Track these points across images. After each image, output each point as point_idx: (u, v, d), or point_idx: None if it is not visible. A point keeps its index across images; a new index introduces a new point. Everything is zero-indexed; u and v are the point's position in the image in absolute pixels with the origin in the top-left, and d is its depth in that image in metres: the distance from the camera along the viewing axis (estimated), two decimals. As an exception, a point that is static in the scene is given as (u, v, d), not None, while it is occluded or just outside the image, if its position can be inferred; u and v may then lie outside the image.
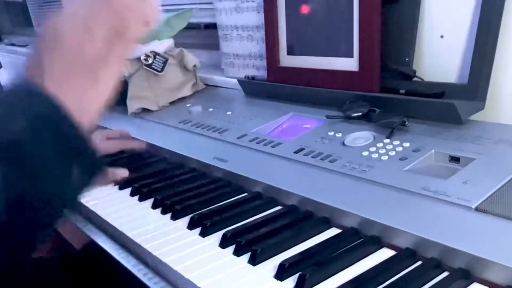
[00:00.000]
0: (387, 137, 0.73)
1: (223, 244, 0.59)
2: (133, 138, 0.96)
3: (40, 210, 0.41)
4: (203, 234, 0.62)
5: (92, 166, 0.43)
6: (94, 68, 0.44)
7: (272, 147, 0.80)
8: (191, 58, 1.18)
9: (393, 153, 0.69)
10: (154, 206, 0.72)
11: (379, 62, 0.84)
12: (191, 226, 0.64)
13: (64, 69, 0.43)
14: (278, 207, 0.67)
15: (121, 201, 0.75)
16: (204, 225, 0.63)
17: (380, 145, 0.72)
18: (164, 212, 0.70)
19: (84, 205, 0.75)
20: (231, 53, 1.20)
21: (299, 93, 0.97)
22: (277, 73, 1.03)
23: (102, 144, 0.88)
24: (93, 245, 0.69)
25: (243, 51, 1.17)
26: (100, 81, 0.45)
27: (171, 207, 0.69)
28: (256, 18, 1.11)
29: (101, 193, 0.78)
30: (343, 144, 0.75)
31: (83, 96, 0.43)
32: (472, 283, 0.48)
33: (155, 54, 1.13)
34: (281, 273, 0.51)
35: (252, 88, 1.10)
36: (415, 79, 0.84)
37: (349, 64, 0.89)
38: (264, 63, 1.09)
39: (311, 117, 0.88)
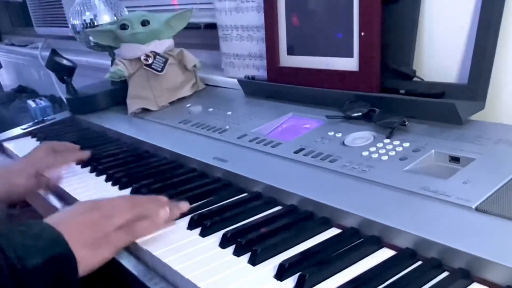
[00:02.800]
0: (387, 137, 0.73)
1: (223, 244, 0.59)
2: (79, 149, 0.96)
3: None
4: (203, 234, 0.62)
5: None
6: (95, 243, 0.58)
7: (272, 147, 0.80)
8: (191, 58, 1.18)
9: (393, 153, 0.69)
10: (154, 206, 0.72)
11: (379, 62, 0.84)
12: (191, 226, 0.64)
13: (75, 237, 0.56)
14: (278, 207, 0.67)
15: (121, 201, 0.75)
16: (204, 225, 0.63)
17: (380, 145, 0.72)
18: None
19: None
20: (231, 53, 1.20)
21: (299, 93, 0.97)
22: (277, 73, 1.03)
23: (47, 158, 0.89)
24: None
25: (243, 51, 1.17)
26: (99, 252, 0.58)
27: (171, 207, 0.69)
28: (256, 18, 1.11)
29: (100, 193, 0.78)
30: (343, 144, 0.75)
31: (83, 255, 0.56)
32: (472, 283, 0.47)
33: (155, 54, 1.13)
34: (281, 273, 0.51)
35: (252, 88, 1.10)
36: (415, 79, 0.84)
37: (349, 64, 0.89)
38: (264, 63, 1.09)
39: (311, 117, 0.88)
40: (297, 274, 0.50)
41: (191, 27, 1.30)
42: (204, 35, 1.49)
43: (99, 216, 0.60)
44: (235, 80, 1.14)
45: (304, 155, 0.75)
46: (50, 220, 0.58)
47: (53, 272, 0.52)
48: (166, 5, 1.57)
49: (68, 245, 0.54)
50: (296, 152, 0.76)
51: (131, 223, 0.61)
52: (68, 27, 1.48)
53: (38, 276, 0.51)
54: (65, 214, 0.61)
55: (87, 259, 0.57)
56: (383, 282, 0.48)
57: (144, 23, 1.14)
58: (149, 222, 0.63)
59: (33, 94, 2.65)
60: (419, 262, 0.51)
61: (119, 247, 0.61)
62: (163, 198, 0.67)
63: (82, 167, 0.91)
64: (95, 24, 1.31)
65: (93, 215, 0.60)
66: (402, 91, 0.82)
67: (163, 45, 1.15)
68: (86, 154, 0.93)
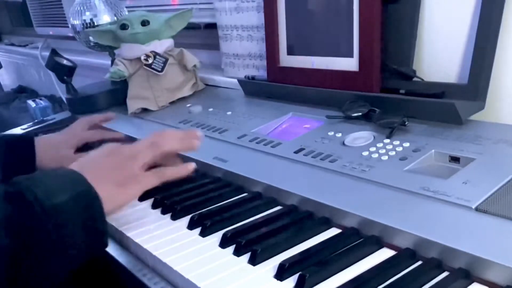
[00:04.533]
0: (387, 137, 0.73)
1: (223, 244, 0.59)
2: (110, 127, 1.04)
3: (51, 263, 0.53)
4: (203, 234, 0.62)
5: (96, 251, 0.58)
6: (123, 181, 0.62)
7: (272, 147, 0.80)
8: (191, 58, 1.18)
9: (393, 153, 0.69)
10: (154, 206, 0.72)
11: (379, 62, 0.84)
12: (191, 226, 0.64)
13: (102, 176, 0.61)
14: (278, 207, 0.67)
15: (121, 201, 0.75)
16: (204, 225, 0.63)
17: (380, 145, 0.72)
18: (164, 212, 0.70)
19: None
20: (231, 53, 1.20)
21: (299, 93, 0.97)
22: (277, 73, 1.03)
23: (84, 133, 0.97)
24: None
25: (243, 51, 1.17)
26: (128, 189, 0.63)
27: (171, 207, 0.69)
28: (256, 18, 1.11)
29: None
30: (343, 144, 0.75)
31: (111, 197, 0.60)
32: (472, 283, 0.48)
33: (155, 54, 1.13)
34: (281, 273, 0.51)
35: (252, 88, 1.10)
36: (415, 79, 0.84)
37: (349, 64, 0.89)
38: (264, 63, 1.09)
39: (311, 117, 0.88)
40: (297, 274, 0.50)
41: (191, 27, 1.30)
42: (204, 35, 1.49)
43: (122, 157, 0.65)
44: (235, 80, 1.14)
45: (304, 155, 0.75)
46: (74, 166, 0.62)
47: (79, 207, 0.55)
48: (166, 5, 1.57)
49: (89, 184, 0.57)
50: (296, 152, 0.76)
51: (157, 165, 0.68)
52: (68, 27, 1.48)
53: (66, 211, 0.53)
54: (89, 159, 0.66)
55: (114, 197, 0.61)
56: (383, 282, 0.49)
57: (144, 23, 1.14)
58: (175, 168, 0.69)
59: (33, 94, 2.65)
60: (419, 262, 0.51)
61: (146, 187, 0.65)
62: (179, 133, 0.73)
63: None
64: (95, 24, 1.31)
65: (117, 156, 0.65)
66: (402, 91, 0.82)
67: (163, 45, 1.15)
68: (120, 135, 0.99)
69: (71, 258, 0.54)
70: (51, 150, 0.90)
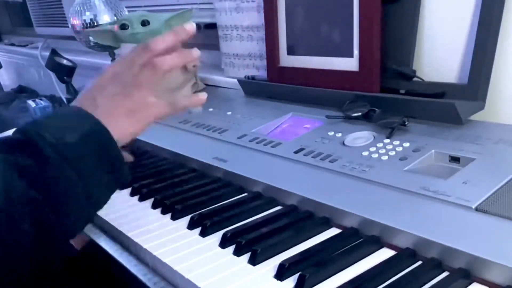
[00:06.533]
0: (387, 137, 0.73)
1: (223, 244, 0.59)
2: None
3: (73, 210, 0.52)
4: (203, 234, 0.62)
5: (120, 180, 0.57)
6: (132, 110, 0.58)
7: (272, 147, 0.80)
8: (191, 58, 1.17)
9: (393, 153, 0.69)
10: (154, 206, 0.72)
11: (379, 62, 0.84)
12: (191, 226, 0.64)
13: (111, 107, 0.57)
14: (278, 207, 0.67)
15: (121, 201, 0.75)
16: (204, 225, 0.63)
17: (380, 145, 0.72)
18: (164, 212, 0.70)
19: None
20: (231, 53, 1.20)
21: (299, 93, 0.97)
22: (277, 73, 1.03)
23: None
24: (93, 245, 0.69)
25: (243, 51, 1.17)
26: (138, 118, 0.59)
27: (171, 207, 0.69)
28: (256, 18, 1.11)
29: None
30: (343, 144, 0.75)
31: (122, 126, 0.57)
32: (472, 283, 0.48)
33: (155, 54, 1.13)
34: (281, 273, 0.51)
35: (252, 88, 1.10)
36: (415, 79, 0.84)
37: (349, 64, 0.89)
38: (264, 63, 1.09)
39: (311, 117, 0.88)
40: (297, 274, 0.50)
41: (191, 27, 1.30)
42: (204, 35, 1.49)
43: (127, 84, 0.59)
44: (235, 80, 1.14)
45: (304, 155, 0.75)
46: (79, 100, 0.58)
47: (92, 145, 0.53)
48: (166, 5, 1.57)
49: (96, 119, 0.54)
50: (296, 152, 0.76)
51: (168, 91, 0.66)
52: (68, 27, 1.48)
53: (80, 150, 0.52)
54: (94, 87, 0.59)
55: (125, 127, 0.57)
56: (383, 282, 0.49)
57: (144, 23, 1.14)
58: (188, 98, 0.69)
59: (33, 94, 2.65)
60: (419, 262, 0.51)
61: (159, 115, 0.62)
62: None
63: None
64: (95, 24, 1.31)
65: (122, 82, 0.59)
66: (402, 91, 0.82)
67: (163, 45, 1.15)
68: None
69: (96, 197, 0.54)
70: None
